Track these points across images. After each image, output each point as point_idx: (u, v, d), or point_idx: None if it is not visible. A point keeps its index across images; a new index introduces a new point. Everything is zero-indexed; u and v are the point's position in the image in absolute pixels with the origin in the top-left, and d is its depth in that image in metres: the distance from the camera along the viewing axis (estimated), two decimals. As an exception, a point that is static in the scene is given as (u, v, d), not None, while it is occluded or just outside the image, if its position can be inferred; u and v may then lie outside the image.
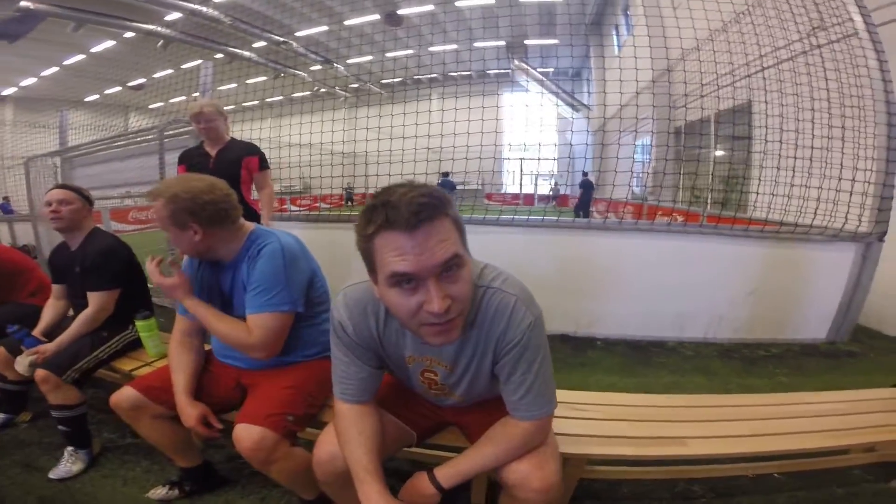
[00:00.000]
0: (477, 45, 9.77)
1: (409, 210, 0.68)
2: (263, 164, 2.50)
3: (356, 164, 4.99)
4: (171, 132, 3.42)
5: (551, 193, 16.41)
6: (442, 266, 0.72)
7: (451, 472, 0.91)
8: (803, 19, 3.18)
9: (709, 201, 5.29)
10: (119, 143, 4.04)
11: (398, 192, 0.71)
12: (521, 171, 17.38)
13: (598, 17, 12.71)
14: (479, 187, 12.63)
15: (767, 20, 3.60)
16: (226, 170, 2.30)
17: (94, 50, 13.19)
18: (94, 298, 1.71)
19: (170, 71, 10.39)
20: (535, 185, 18.50)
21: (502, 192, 18.42)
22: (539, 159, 17.15)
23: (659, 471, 1.43)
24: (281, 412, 1.18)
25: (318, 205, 12.84)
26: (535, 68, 13.11)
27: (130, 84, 13.58)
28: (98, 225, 1.91)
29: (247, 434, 1.12)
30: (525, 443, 0.92)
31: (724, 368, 2.65)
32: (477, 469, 0.93)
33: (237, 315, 1.31)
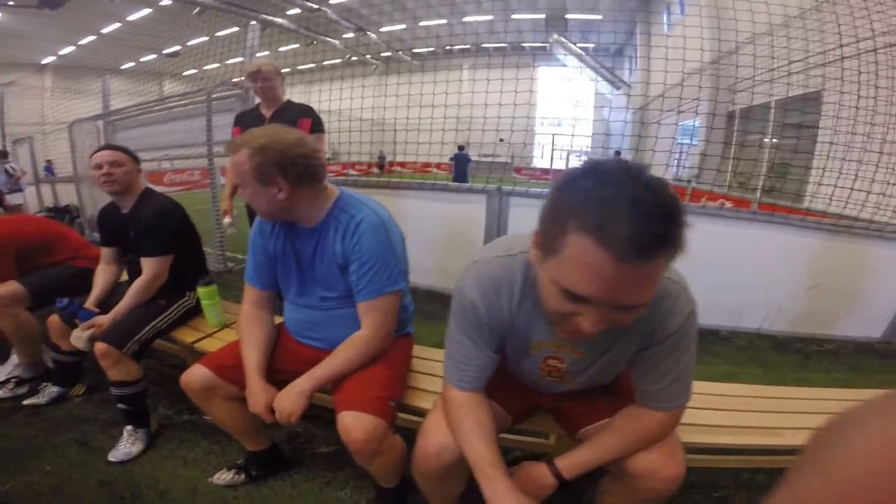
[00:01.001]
0: (514, 16, 9.31)
1: (636, 239, 0.53)
2: (316, 126, 2.33)
3: (385, 131, 4.93)
4: (218, 95, 3.38)
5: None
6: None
7: (574, 462, 0.87)
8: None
9: (763, 189, 4.97)
10: (164, 106, 4.04)
11: (631, 197, 0.53)
12: (553, 146, 16.91)
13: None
14: (509, 160, 12.37)
15: (852, 9, 3.25)
16: None
17: (130, 18, 13.29)
18: (149, 264, 1.62)
19: (205, 38, 10.38)
20: (567, 161, 18.00)
21: (532, 166, 17.99)
22: (573, 135, 16.59)
23: (746, 460, 1.39)
24: (385, 396, 1.09)
25: (346, 171, 12.80)
26: (574, 43, 12.49)
27: (166, 52, 13.68)
28: (149, 185, 1.81)
29: (356, 424, 1.01)
30: (659, 433, 0.87)
31: (779, 361, 2.59)
32: (602, 461, 0.88)
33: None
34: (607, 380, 0.98)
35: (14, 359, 1.93)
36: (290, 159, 1.06)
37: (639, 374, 0.86)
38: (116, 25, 13.82)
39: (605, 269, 0.55)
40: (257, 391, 1.13)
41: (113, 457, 1.49)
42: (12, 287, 1.79)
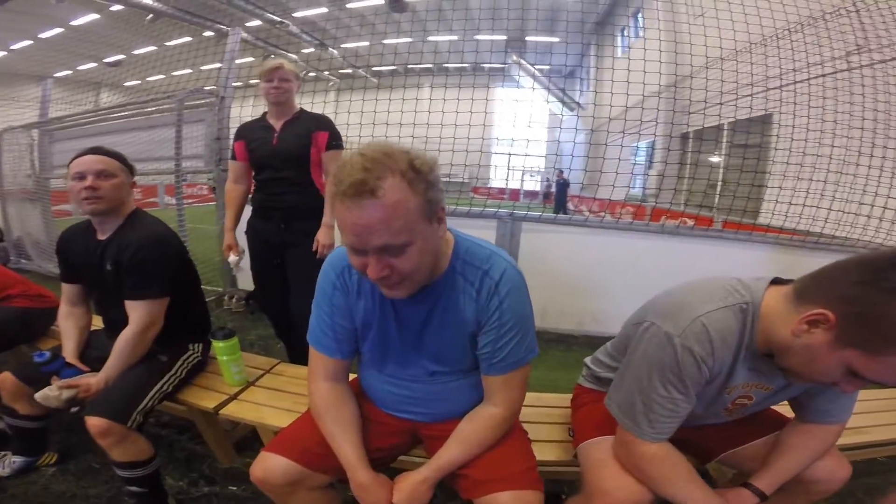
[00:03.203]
0: (479, 37, 9.55)
1: None
2: (334, 142, 1.97)
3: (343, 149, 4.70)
4: (192, 102, 3.07)
5: (543, 190, 16.50)
6: None
7: (772, 481, 0.96)
8: (846, 38, 3.19)
9: (723, 207, 5.28)
10: (120, 115, 3.67)
11: None
12: (509, 166, 17.36)
13: (604, 16, 12.65)
14: (466, 181, 12.56)
15: (802, 40, 3.58)
16: (293, 147, 1.91)
17: (74, 23, 12.33)
18: (140, 310, 1.28)
19: (152, 48, 9.81)
20: (522, 180, 18.50)
21: (489, 185, 18.38)
22: (526, 155, 17.15)
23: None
24: (532, 465, 0.97)
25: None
26: (532, 64, 12.98)
27: (107, 60, 12.81)
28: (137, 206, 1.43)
29: None
30: (833, 443, 0.99)
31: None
32: (792, 475, 0.97)
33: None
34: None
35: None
36: (438, 185, 0.77)
37: (813, 394, 0.95)
38: (58, 31, 12.75)
39: None
40: (374, 488, 0.92)
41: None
42: None
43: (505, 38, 11.75)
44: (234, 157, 2.04)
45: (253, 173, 2.05)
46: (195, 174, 3.41)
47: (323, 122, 1.99)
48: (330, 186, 0.74)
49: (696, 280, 0.93)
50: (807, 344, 0.73)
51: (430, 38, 11.72)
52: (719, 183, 5.25)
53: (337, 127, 2.01)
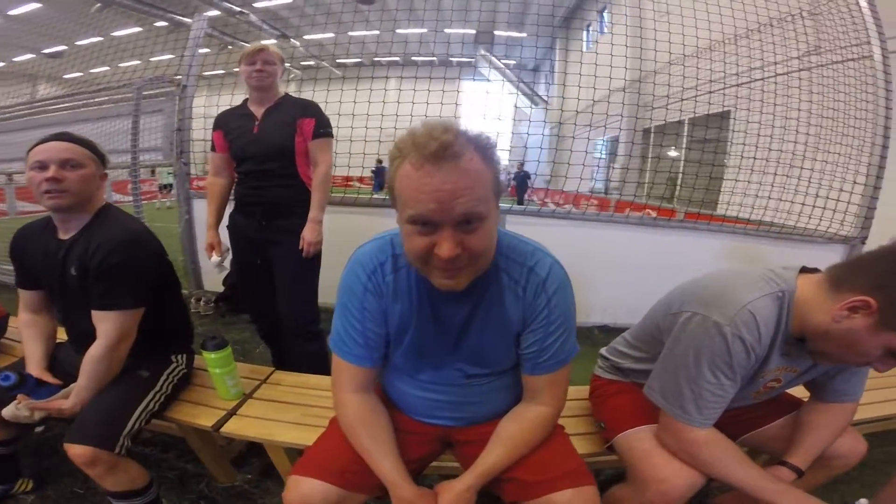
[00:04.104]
0: (448, 30, 9.48)
1: None
2: (322, 128, 1.79)
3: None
4: (151, 91, 2.84)
5: (506, 182, 16.74)
6: None
7: (805, 457, 1.03)
8: (805, 39, 3.37)
9: (677, 198, 5.50)
10: (64, 106, 3.39)
11: None
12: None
13: (570, 11, 12.82)
14: None
15: (761, 40, 3.76)
16: (276, 136, 1.76)
17: (12, 12, 11.32)
18: (110, 322, 1.12)
19: (98, 39, 9.16)
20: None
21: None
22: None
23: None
24: (580, 461, 0.95)
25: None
26: (499, 58, 13.05)
27: (46, 51, 11.87)
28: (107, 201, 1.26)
29: (582, 501, 0.86)
30: (851, 420, 1.07)
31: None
32: (821, 451, 1.05)
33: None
34: None
35: None
36: (499, 160, 0.76)
37: (831, 375, 1.02)
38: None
39: None
40: (420, 503, 0.86)
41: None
42: None
43: (475, 31, 11.75)
44: (213, 149, 1.89)
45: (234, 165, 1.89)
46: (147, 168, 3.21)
47: (309, 108, 1.83)
48: (403, 150, 0.69)
49: (724, 270, 0.99)
50: (848, 328, 0.80)
51: (400, 31, 11.56)
52: (680, 175, 5.48)
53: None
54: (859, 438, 1.12)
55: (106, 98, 3.29)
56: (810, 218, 3.08)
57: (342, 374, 0.93)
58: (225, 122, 1.86)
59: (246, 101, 1.87)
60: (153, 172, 10.65)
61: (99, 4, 9.15)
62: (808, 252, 3.09)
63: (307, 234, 1.76)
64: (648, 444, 1.01)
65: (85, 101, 3.46)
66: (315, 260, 1.84)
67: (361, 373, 0.92)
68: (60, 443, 1.06)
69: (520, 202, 11.60)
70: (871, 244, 2.98)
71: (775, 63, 3.49)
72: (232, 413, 1.31)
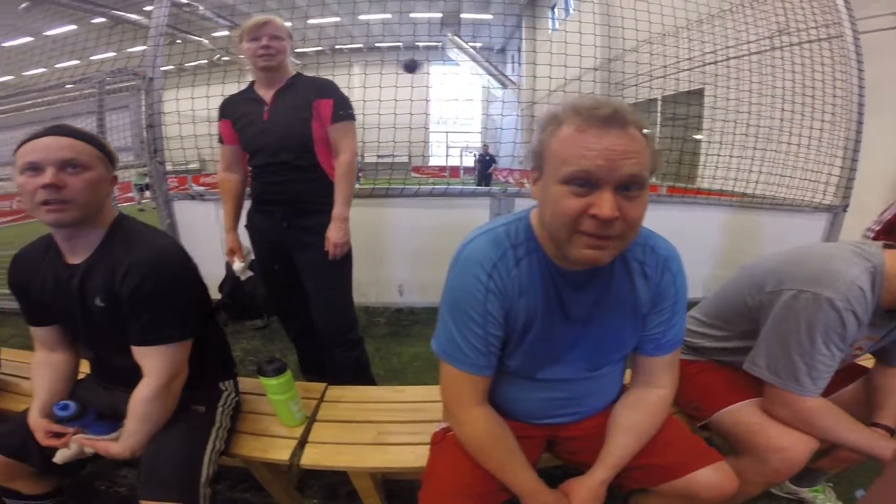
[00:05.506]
0: (412, 15, 9.15)
1: None
2: (342, 111, 1.55)
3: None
4: (114, 86, 2.55)
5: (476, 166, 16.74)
6: None
7: (894, 417, 1.06)
8: (776, 19, 3.43)
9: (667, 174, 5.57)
10: (2, 109, 3.05)
11: None
12: (448, 144, 17.27)
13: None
14: (407, 160, 12.54)
15: (733, 19, 3.76)
16: (289, 122, 1.52)
17: None
18: (159, 358, 0.95)
19: (28, 39, 8.45)
20: (461, 157, 18.52)
21: (429, 164, 18.17)
22: (464, 132, 17.10)
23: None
24: (700, 438, 0.97)
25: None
26: (466, 42, 12.80)
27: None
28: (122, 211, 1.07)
29: (724, 475, 0.87)
30: None
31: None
32: None
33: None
34: None
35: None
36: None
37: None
38: None
39: None
40: None
41: None
42: None
43: (440, 15, 11.41)
44: (221, 141, 1.66)
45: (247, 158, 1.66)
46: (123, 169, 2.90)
47: (325, 88, 1.58)
48: (561, 117, 0.68)
49: (810, 246, 1.05)
50: None
51: (362, 17, 11.13)
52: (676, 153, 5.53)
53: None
54: None
55: (58, 97, 2.95)
56: (797, 189, 3.17)
57: (463, 387, 0.84)
58: (231, 110, 1.61)
59: (252, 84, 1.61)
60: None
61: (27, 3, 8.37)
62: (795, 221, 3.19)
63: (332, 233, 1.54)
64: (758, 418, 1.04)
65: (33, 101, 3.12)
66: (346, 262, 1.64)
67: (483, 383, 0.86)
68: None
69: (479, 184, 11.50)
70: (853, 212, 3.10)
71: (748, 42, 3.49)
72: (303, 441, 1.17)
